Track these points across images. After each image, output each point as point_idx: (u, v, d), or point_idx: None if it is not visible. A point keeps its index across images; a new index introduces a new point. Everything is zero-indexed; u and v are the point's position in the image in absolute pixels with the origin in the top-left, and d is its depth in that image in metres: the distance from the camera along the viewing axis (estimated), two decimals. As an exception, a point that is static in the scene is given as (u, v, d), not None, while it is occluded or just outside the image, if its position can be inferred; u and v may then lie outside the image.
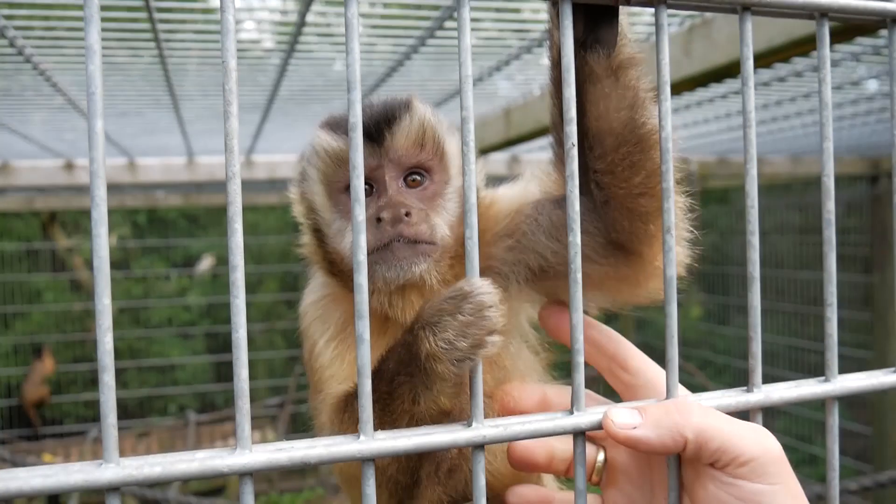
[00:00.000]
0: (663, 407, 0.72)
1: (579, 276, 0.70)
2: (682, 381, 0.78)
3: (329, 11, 2.49)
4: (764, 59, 2.03)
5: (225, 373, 8.49)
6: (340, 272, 1.01)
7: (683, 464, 0.74)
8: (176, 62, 2.66)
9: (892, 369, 0.87)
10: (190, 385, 8.27)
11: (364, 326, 0.65)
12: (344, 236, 0.98)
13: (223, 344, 8.50)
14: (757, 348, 0.79)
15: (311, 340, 1.02)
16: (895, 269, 6.04)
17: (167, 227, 8.47)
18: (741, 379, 6.83)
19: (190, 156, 4.72)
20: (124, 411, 8.17)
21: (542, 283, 0.96)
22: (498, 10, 2.36)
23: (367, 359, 0.65)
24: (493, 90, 3.50)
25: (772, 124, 4.38)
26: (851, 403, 7.27)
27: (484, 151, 3.92)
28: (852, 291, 7.00)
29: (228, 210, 0.62)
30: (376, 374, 0.78)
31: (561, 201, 0.88)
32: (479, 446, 0.67)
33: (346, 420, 0.89)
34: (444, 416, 0.78)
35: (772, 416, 7.97)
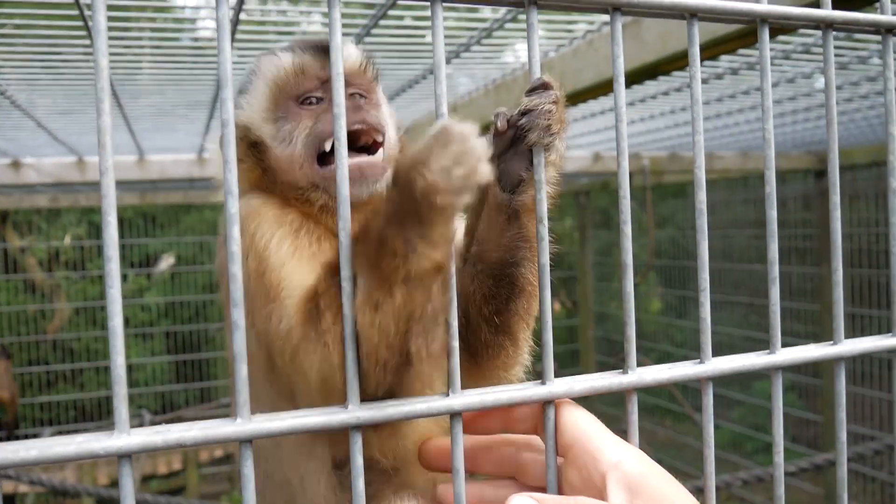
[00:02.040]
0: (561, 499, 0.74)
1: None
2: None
3: (270, 9, 2.51)
4: (679, 62, 2.10)
5: (186, 372, 8.42)
6: (283, 183, 1.08)
7: None
8: (114, 60, 2.65)
9: (765, 351, 0.92)
10: (149, 386, 8.19)
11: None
12: (293, 140, 1.07)
13: (183, 343, 8.43)
14: (631, 332, 0.83)
15: (262, 239, 1.00)
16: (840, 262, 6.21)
17: (124, 226, 8.36)
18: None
19: (140, 154, 4.68)
20: (82, 413, 8.06)
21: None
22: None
23: (242, 346, 0.67)
24: (453, 85, 3.53)
25: (717, 120, 4.48)
26: (804, 393, 7.46)
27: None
28: (803, 283, 7.18)
29: (102, 203, 0.64)
30: (362, 236, 0.74)
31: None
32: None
33: (323, 315, 0.83)
34: (436, 274, 0.74)
35: (727, 406, 8.15)
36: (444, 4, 0.74)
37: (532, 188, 0.91)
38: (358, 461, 0.70)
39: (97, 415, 8.02)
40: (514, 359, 1.05)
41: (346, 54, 1.09)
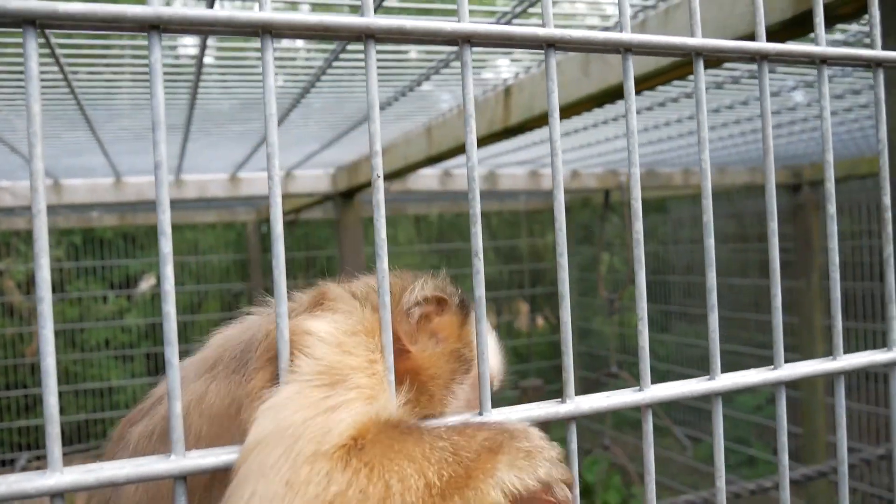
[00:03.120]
0: None
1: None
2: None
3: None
4: (649, 82, 2.13)
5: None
6: None
7: None
8: (81, 85, 2.66)
9: (705, 377, 0.94)
10: (131, 408, 8.11)
11: (172, 352, 0.69)
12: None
13: (164, 365, 8.35)
14: (569, 362, 0.84)
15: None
16: (817, 274, 6.29)
17: (104, 247, 8.32)
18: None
19: (116, 176, 4.68)
20: (62, 437, 7.96)
21: None
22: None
23: (175, 383, 0.68)
24: (434, 102, 3.54)
25: (690, 137, 4.53)
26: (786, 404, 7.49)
27: (410, 168, 3.97)
28: (781, 296, 7.23)
29: (34, 247, 0.65)
30: None
31: None
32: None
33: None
34: None
35: (709, 419, 8.17)
36: (378, 47, 0.75)
37: None
38: None
39: (76, 438, 7.94)
40: None
41: None
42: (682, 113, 3.80)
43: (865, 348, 1.06)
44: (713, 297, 0.91)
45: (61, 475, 0.65)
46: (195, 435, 0.88)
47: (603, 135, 4.27)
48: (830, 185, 1.02)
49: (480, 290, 0.80)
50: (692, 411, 8.18)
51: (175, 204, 6.49)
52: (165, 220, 0.69)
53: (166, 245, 0.69)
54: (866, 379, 6.37)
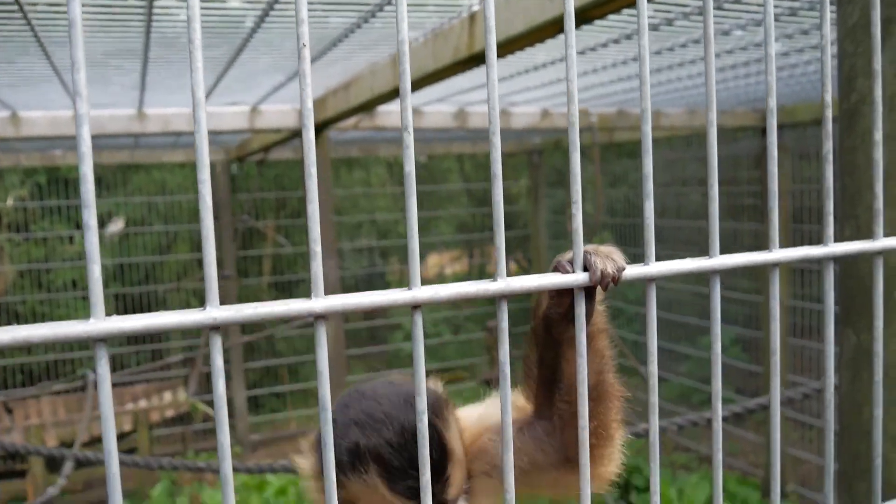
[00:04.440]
0: None
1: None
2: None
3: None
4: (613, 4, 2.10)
5: (137, 335, 8.31)
6: None
7: None
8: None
9: (640, 264, 0.95)
10: (100, 349, 8.08)
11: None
12: None
13: (134, 306, 8.32)
14: (501, 242, 0.84)
15: None
16: (783, 216, 6.36)
17: (69, 186, 8.17)
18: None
19: (76, 108, 4.55)
20: (30, 377, 7.95)
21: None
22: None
23: (94, 247, 0.67)
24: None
25: (659, 75, 4.51)
26: (748, 346, 7.69)
27: (376, 101, 3.92)
28: (753, 240, 7.33)
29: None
30: None
31: (522, 427, 1.15)
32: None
33: None
34: None
35: (676, 360, 8.36)
36: None
37: (599, 317, 1.08)
38: (217, 362, 0.71)
39: (45, 377, 7.91)
40: (612, 458, 1.15)
41: (447, 487, 1.11)
42: (651, 47, 3.75)
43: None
44: (649, 185, 0.91)
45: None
46: None
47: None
48: (773, 148, 1.01)
49: (410, 166, 0.79)
50: (660, 352, 8.32)
51: (140, 141, 6.38)
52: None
53: (82, 106, 0.68)
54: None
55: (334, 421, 1.08)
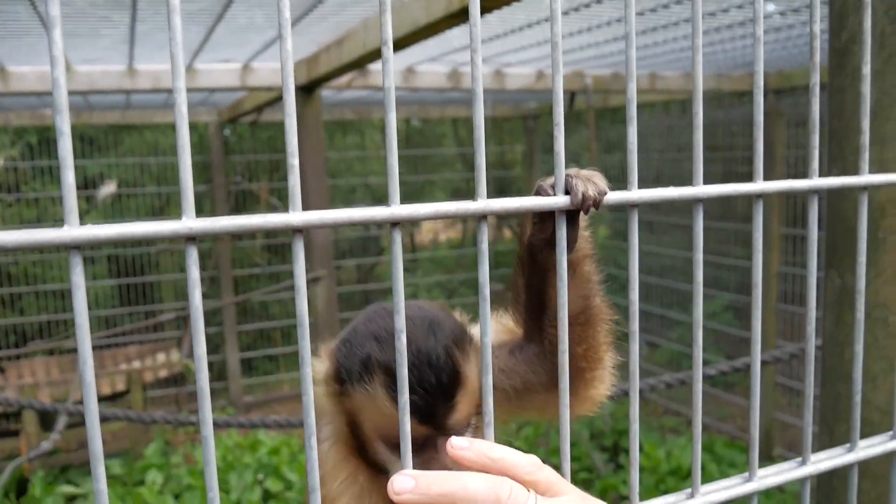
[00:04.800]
0: (439, 476, 0.80)
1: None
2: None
3: None
4: None
5: (130, 296, 8.33)
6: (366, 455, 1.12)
7: None
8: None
9: (623, 190, 0.94)
10: (93, 310, 8.08)
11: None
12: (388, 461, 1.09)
13: (127, 267, 8.31)
14: (481, 161, 0.84)
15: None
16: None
17: (60, 147, 8.10)
18: (643, 293, 7.08)
19: (66, 64, 4.50)
20: (23, 338, 7.96)
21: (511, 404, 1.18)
22: None
23: (67, 150, 0.67)
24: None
25: (654, 34, 4.46)
26: (739, 313, 7.72)
27: (370, 57, 3.87)
28: (747, 208, 7.32)
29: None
30: None
31: (514, 350, 1.15)
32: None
33: None
34: None
35: (668, 326, 8.41)
36: None
37: (583, 242, 1.08)
38: (193, 273, 0.71)
39: (38, 336, 7.92)
40: (602, 379, 1.16)
41: (455, 410, 1.06)
42: (643, 5, 3.69)
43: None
44: (633, 109, 0.90)
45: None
46: None
47: (567, 29, 4.18)
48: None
49: (389, 81, 0.78)
50: (652, 318, 8.38)
51: (132, 100, 6.31)
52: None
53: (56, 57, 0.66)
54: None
55: (355, 331, 1.10)
